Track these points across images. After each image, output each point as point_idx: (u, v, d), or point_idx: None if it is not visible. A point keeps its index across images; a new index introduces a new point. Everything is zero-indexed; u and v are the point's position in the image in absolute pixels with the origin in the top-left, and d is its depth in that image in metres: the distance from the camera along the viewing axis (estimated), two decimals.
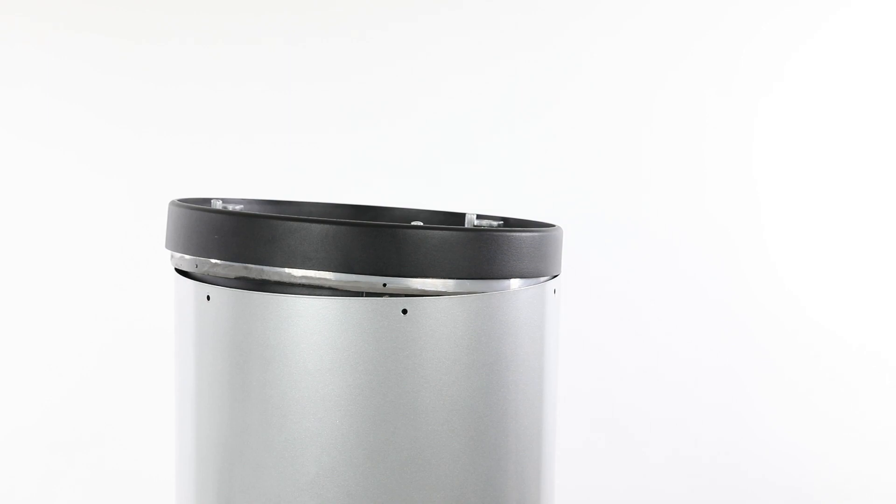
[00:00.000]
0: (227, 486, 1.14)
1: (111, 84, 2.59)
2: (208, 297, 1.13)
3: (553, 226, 1.26)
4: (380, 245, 1.08)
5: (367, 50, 2.65)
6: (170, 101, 2.61)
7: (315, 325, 1.08)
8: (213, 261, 1.12)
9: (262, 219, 1.11)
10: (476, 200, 1.37)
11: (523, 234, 1.16)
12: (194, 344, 1.17)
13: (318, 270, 1.07)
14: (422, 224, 1.13)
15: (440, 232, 1.09)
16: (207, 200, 1.27)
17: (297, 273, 1.08)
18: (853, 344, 1.95)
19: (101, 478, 2.62)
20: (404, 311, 1.08)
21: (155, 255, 1.34)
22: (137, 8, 2.58)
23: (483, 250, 1.11)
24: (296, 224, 1.08)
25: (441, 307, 1.09)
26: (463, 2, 2.67)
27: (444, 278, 1.09)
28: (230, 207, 1.26)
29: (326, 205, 1.42)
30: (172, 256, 1.20)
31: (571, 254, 1.23)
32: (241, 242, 1.10)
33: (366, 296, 1.08)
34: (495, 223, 1.31)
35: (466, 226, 1.32)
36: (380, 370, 1.08)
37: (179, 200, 1.21)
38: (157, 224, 1.28)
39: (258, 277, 1.09)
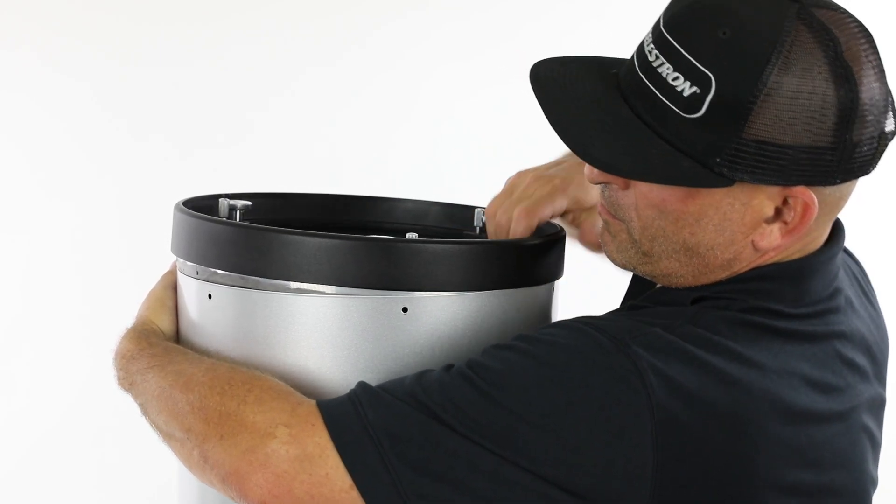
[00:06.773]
0: None
1: (113, 84, 2.60)
2: (210, 296, 1.14)
3: (557, 228, 1.24)
4: (374, 258, 1.07)
5: (367, 48, 2.65)
6: (172, 101, 2.61)
7: (316, 324, 1.09)
8: (212, 270, 1.13)
9: (258, 231, 1.11)
10: (477, 200, 1.37)
11: (523, 244, 1.16)
12: (196, 342, 1.17)
13: (313, 283, 1.08)
14: (417, 237, 1.13)
15: (435, 245, 1.09)
16: (216, 197, 1.27)
17: (293, 286, 1.08)
18: None
19: (103, 477, 2.62)
20: (405, 310, 1.08)
21: (157, 253, 1.34)
22: (140, 9, 2.59)
23: (480, 262, 1.10)
24: (290, 237, 1.08)
25: (442, 306, 1.09)
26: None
27: (440, 291, 1.09)
28: (238, 204, 1.26)
29: (335, 196, 1.40)
30: (177, 260, 1.20)
31: (571, 254, 1.23)
32: (238, 253, 1.10)
33: None
34: None
35: (475, 220, 1.31)
36: (380, 368, 1.08)
37: (185, 201, 1.21)
38: (159, 221, 1.28)
39: (255, 288, 1.10)
